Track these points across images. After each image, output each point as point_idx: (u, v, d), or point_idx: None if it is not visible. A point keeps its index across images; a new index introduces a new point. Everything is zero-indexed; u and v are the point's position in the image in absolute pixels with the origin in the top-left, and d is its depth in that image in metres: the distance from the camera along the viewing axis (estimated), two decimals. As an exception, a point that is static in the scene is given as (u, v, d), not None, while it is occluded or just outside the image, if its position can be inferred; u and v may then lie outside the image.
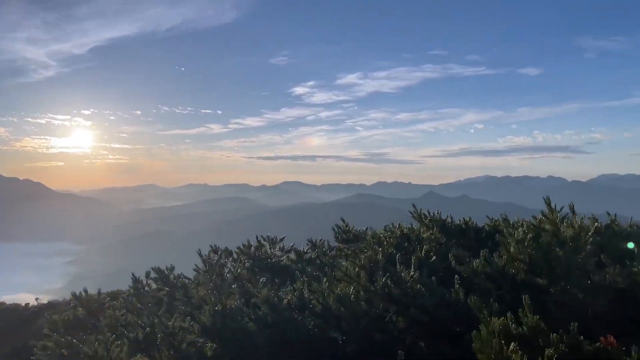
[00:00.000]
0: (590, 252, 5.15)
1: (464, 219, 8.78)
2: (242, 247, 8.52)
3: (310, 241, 9.56)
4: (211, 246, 9.75)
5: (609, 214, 6.71)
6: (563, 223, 5.38)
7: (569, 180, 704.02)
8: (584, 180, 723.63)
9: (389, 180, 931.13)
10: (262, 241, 8.84)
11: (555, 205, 5.64)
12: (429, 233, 7.65)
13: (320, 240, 9.80)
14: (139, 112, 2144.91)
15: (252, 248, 8.43)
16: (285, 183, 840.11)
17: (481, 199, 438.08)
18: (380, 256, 5.35)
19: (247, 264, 8.26)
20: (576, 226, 5.19)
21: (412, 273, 4.96)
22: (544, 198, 5.60)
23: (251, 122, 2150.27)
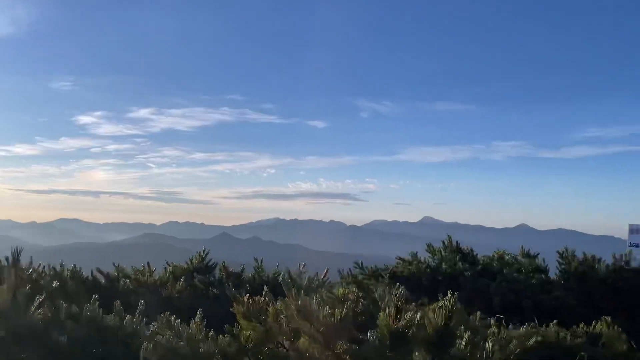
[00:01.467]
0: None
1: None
2: None
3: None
4: None
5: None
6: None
7: (348, 224, 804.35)
8: (359, 224, 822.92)
9: (181, 220, 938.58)
10: None
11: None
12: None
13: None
14: None
15: None
16: (61, 220, 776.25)
17: (271, 240, 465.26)
18: None
19: None
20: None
21: None
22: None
23: (22, 149, 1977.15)
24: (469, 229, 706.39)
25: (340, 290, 4.66)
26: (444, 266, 7.99)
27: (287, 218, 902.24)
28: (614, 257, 7.95)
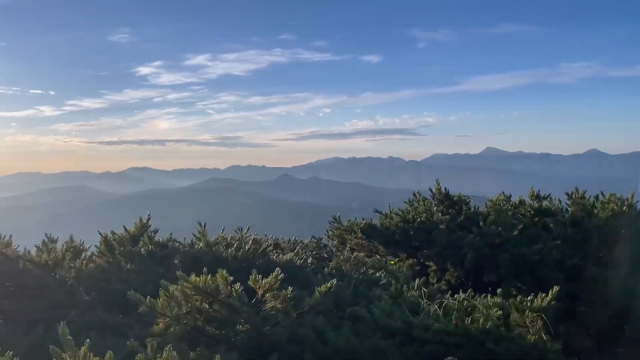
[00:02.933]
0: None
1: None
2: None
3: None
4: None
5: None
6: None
7: (407, 160, 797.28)
8: (419, 159, 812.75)
9: (243, 163, 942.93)
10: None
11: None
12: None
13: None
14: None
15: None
16: (132, 169, 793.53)
17: (331, 179, 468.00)
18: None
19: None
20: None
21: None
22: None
23: (90, 103, 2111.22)
24: (535, 158, 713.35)
25: (199, 279, 3.45)
26: (420, 218, 7.34)
27: (346, 157, 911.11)
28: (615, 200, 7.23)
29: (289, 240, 9.22)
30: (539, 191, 8.25)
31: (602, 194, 7.53)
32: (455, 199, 7.66)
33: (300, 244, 9.21)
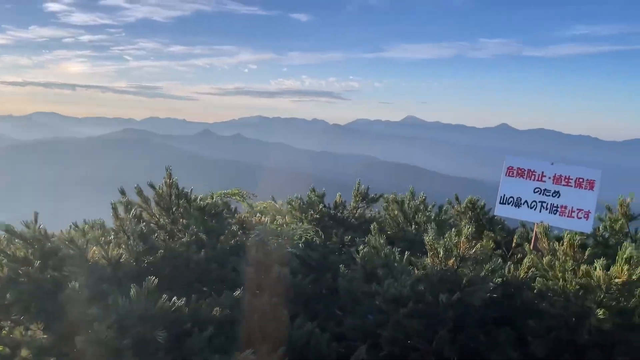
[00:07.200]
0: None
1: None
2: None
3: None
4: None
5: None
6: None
7: (330, 123, 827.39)
8: (342, 123, 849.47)
9: (162, 116, 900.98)
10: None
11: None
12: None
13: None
14: None
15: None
16: (38, 114, 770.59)
17: (255, 138, 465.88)
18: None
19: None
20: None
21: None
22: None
23: None
24: (451, 129, 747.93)
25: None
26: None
27: (270, 116, 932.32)
28: None
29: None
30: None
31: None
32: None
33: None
